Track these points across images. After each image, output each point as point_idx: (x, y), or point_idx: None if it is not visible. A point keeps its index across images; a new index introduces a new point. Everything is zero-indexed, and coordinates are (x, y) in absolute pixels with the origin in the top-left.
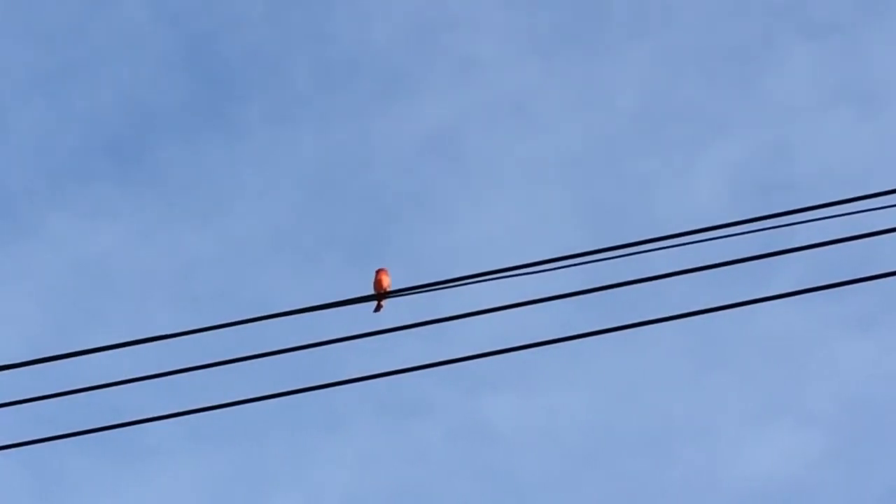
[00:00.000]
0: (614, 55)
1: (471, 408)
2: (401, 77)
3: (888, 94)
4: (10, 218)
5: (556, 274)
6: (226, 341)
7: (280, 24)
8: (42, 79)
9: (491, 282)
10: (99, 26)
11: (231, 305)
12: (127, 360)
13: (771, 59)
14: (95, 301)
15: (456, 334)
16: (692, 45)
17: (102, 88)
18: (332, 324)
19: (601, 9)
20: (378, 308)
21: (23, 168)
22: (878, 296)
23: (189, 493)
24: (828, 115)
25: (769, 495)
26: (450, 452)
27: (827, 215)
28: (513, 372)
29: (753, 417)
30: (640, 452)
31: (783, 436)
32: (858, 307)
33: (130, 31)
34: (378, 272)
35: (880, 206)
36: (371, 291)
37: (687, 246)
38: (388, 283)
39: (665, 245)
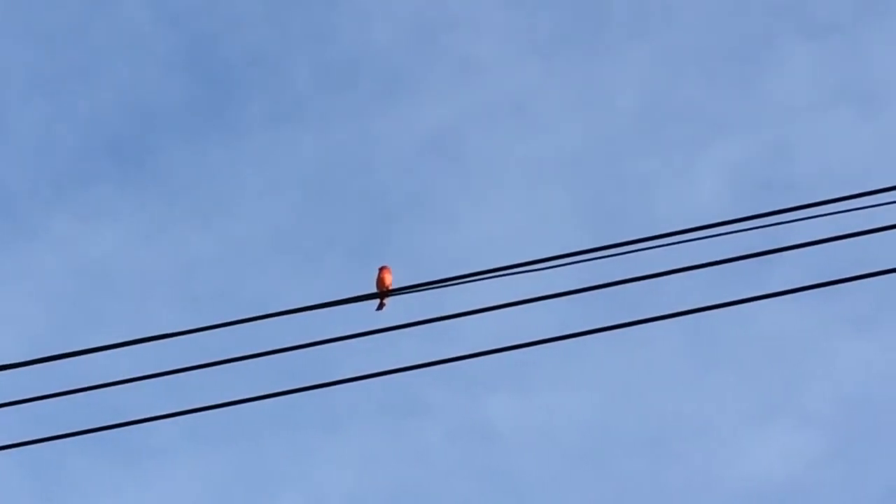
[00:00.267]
0: (614, 55)
1: (470, 408)
2: (401, 77)
3: (888, 94)
4: (11, 219)
5: (555, 273)
6: (227, 341)
7: (280, 24)
8: (43, 80)
9: (491, 281)
10: (100, 27)
11: (232, 306)
12: (128, 360)
13: (771, 59)
14: (96, 302)
15: (456, 334)
16: (692, 44)
17: (103, 89)
18: (334, 323)
19: (601, 9)
20: (380, 306)
21: (24, 169)
22: (876, 295)
23: (189, 494)
24: (828, 115)
25: (768, 495)
26: (449, 452)
27: (826, 212)
28: (512, 372)
29: (752, 417)
30: (639, 452)
31: (782, 436)
32: (857, 307)
33: (131, 31)
34: (380, 270)
35: (879, 202)
36: (373, 289)
37: (686, 244)
38: (391, 281)
39: (664, 242)
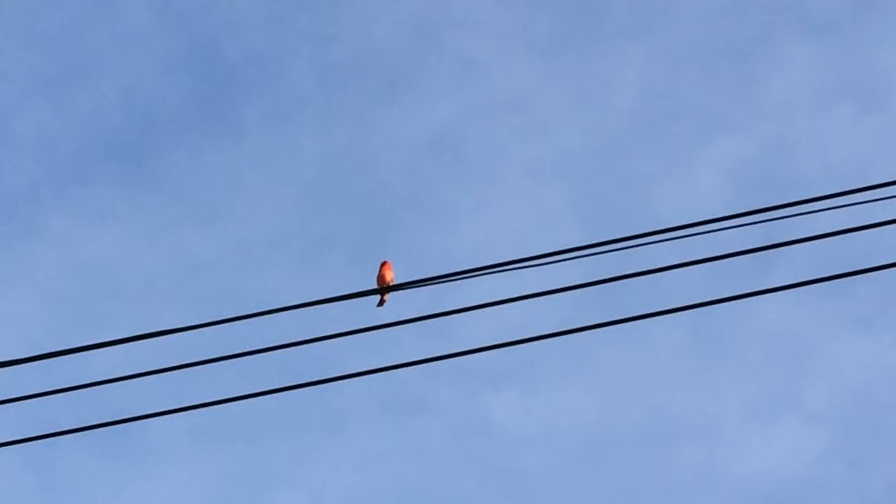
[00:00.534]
0: (614, 54)
1: (473, 406)
2: (402, 77)
3: (888, 91)
4: (13, 220)
5: (556, 269)
6: (228, 339)
7: (281, 25)
8: (44, 81)
9: (492, 278)
10: (101, 29)
11: (233, 306)
12: (128, 359)
13: (770, 57)
14: (98, 302)
15: (457, 332)
16: (691, 43)
17: (104, 91)
18: (334, 320)
19: (600, 8)
20: (381, 303)
21: (25, 170)
22: (878, 293)
23: (192, 493)
24: (827, 112)
25: (771, 492)
26: (453, 450)
27: (827, 207)
28: (515, 370)
29: (755, 414)
30: (642, 449)
31: (784, 433)
32: (859, 305)
33: (131, 31)
34: (381, 266)
35: (880, 197)
36: (374, 285)
37: (687, 238)
38: (392, 277)
39: (666, 238)
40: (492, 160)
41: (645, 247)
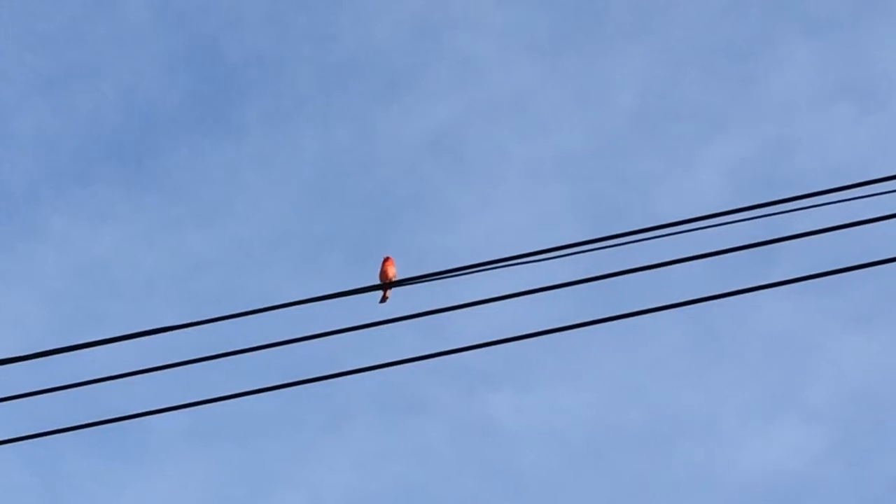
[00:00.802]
0: (614, 53)
1: (472, 405)
2: (402, 77)
3: (888, 90)
4: (13, 220)
5: (558, 266)
6: (228, 337)
7: (281, 25)
8: (44, 81)
9: (493, 275)
10: (100, 27)
11: (234, 306)
12: (128, 358)
13: (770, 56)
14: (98, 302)
15: (457, 331)
16: (692, 42)
17: (104, 90)
18: (336, 317)
19: (601, 7)
20: (384, 299)
21: (25, 170)
22: (878, 291)
23: (191, 492)
24: (828, 111)
25: (771, 490)
26: (452, 449)
27: (829, 201)
28: (514, 369)
29: (755, 412)
30: (642, 448)
31: (785, 431)
32: (859, 302)
33: (131, 31)
34: (384, 262)
35: (881, 191)
36: (377, 280)
37: (688, 234)
38: (394, 272)
39: (667, 232)
40: (492, 160)
41: (644, 243)
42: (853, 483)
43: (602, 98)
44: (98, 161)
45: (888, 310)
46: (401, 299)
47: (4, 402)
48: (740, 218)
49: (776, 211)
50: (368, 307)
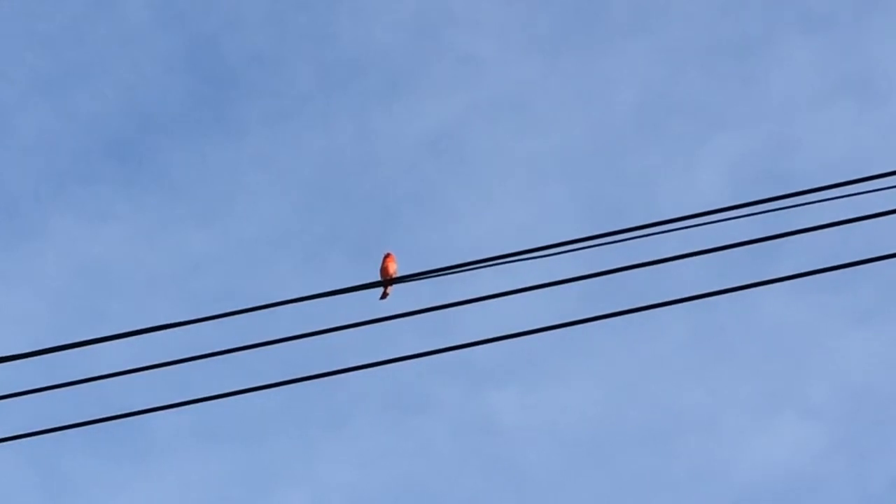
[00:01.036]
0: (614, 51)
1: (475, 403)
2: (402, 76)
3: (889, 87)
4: (13, 220)
5: (559, 263)
6: (230, 335)
7: (281, 24)
8: (44, 81)
9: (495, 272)
10: (100, 27)
11: (234, 305)
12: (129, 356)
13: (770, 53)
14: (99, 302)
15: (459, 328)
16: (691, 39)
17: (105, 90)
18: (337, 314)
19: (600, 5)
20: (384, 295)
21: (26, 170)
22: (880, 287)
23: (194, 491)
24: (828, 109)
25: (772, 487)
26: (455, 448)
27: (830, 196)
28: (516, 367)
29: (757, 410)
30: (644, 445)
31: (786, 428)
32: (861, 299)
33: (131, 31)
34: (385, 258)
35: (883, 186)
36: (377, 278)
37: (690, 230)
38: (395, 269)
39: (669, 228)
40: (493, 158)
41: (647, 238)
42: (855, 480)
43: (602, 96)
44: (98, 161)
45: (890, 307)
46: (404, 297)
47: (4, 400)
48: (742, 214)
49: (778, 207)
50: (369, 304)
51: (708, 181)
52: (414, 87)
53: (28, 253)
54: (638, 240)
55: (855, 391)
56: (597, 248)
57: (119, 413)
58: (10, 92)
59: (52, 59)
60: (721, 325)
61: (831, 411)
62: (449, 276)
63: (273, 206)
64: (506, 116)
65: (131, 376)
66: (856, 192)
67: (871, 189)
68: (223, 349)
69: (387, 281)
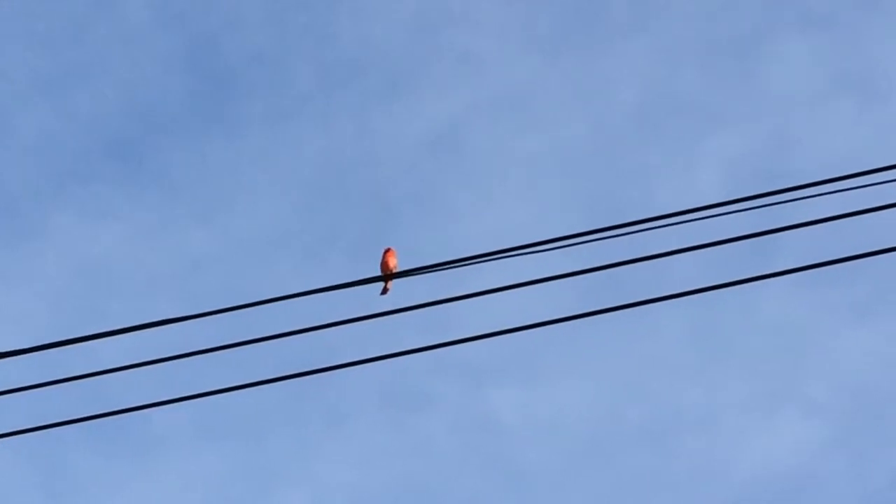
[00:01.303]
0: (614, 49)
1: (475, 400)
2: (402, 74)
3: (887, 85)
4: (13, 219)
5: (559, 259)
6: (229, 332)
7: (281, 23)
8: (44, 80)
9: (493, 271)
10: (100, 27)
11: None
12: (130, 353)
13: (769, 51)
14: (99, 301)
15: (459, 324)
16: (690, 38)
17: (104, 89)
18: (337, 310)
19: (600, 4)
20: (385, 291)
21: (26, 169)
22: (878, 283)
23: (193, 489)
24: (827, 106)
25: (773, 484)
26: (455, 445)
27: (829, 191)
28: (516, 364)
29: (756, 407)
30: (644, 442)
31: (786, 425)
32: (859, 295)
33: (131, 31)
34: (385, 253)
35: (882, 180)
36: (378, 273)
37: (687, 224)
38: (395, 264)
39: (666, 223)
40: (493, 157)
41: (645, 233)
42: (854, 477)
43: (602, 94)
44: (98, 160)
45: (889, 302)
46: (404, 293)
47: (4, 396)
48: (741, 208)
49: (776, 201)
50: (372, 295)
51: (707, 179)
52: (414, 87)
53: (28, 252)
54: (635, 235)
55: (855, 387)
56: (595, 242)
57: (118, 409)
58: (10, 92)
59: (52, 59)
60: (720, 323)
61: (831, 408)
62: (448, 274)
63: (273, 205)
64: (505, 115)
65: (131, 373)
66: (853, 186)
67: (868, 183)
68: (222, 345)
69: (387, 276)
